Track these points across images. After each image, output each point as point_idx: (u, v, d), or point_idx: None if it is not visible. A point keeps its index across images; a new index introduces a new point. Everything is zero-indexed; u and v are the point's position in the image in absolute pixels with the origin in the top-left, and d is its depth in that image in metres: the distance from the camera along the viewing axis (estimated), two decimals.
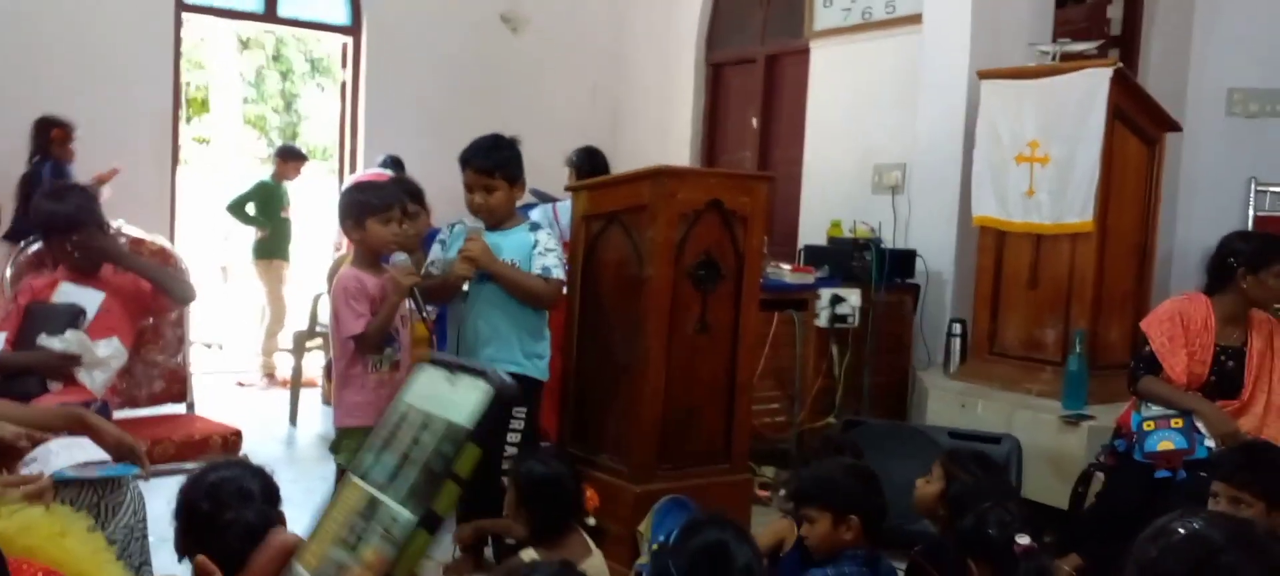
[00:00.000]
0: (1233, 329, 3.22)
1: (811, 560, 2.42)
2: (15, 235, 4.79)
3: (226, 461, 2.04)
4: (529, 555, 2.32)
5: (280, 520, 1.89)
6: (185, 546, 1.81)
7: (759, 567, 1.98)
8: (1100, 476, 3.50)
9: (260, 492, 1.87)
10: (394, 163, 5.55)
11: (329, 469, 3.15)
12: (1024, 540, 2.02)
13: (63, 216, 3.07)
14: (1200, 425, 3.11)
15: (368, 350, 2.93)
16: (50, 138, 5.34)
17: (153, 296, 3.21)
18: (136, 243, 3.44)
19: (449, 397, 0.67)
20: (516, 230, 3.15)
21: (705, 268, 3.38)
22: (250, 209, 6.14)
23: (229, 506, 1.80)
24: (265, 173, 6.36)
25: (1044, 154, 4.12)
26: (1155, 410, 3.21)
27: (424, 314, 2.95)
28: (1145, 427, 3.19)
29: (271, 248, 6.16)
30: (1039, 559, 2.03)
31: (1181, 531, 1.29)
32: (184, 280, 3.21)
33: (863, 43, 5.49)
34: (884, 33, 5.35)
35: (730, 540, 1.95)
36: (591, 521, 2.51)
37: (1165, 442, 3.12)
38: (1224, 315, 3.21)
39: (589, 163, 4.60)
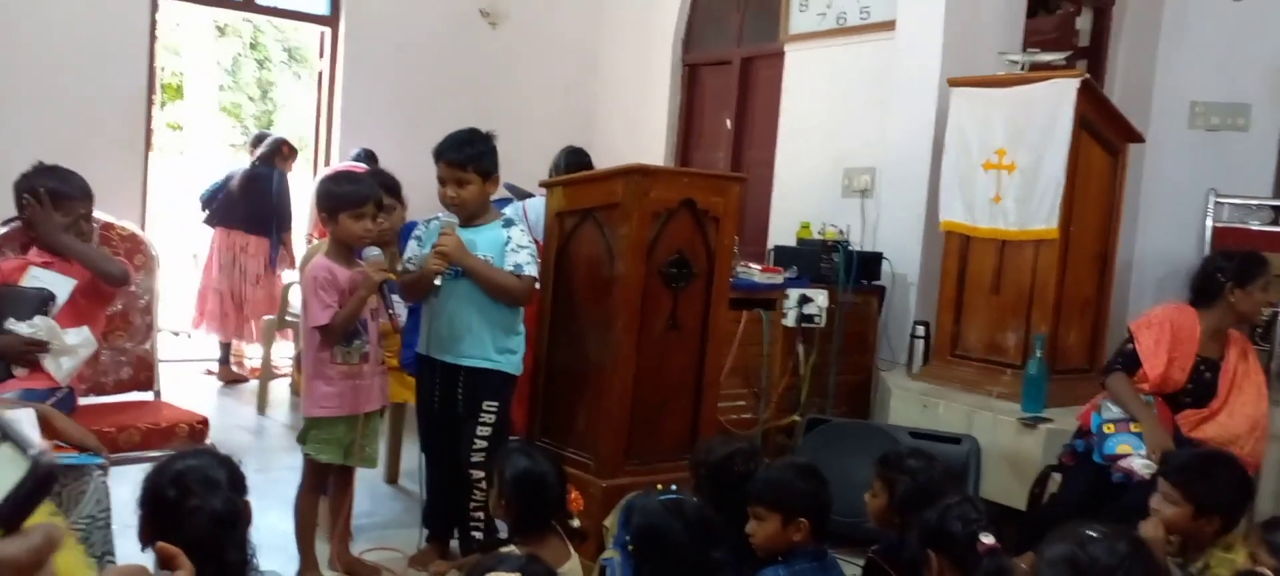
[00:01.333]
0: (1213, 343, 3.37)
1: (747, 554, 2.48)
2: None
3: (193, 450, 2.05)
4: (508, 551, 2.35)
5: (246, 509, 1.90)
6: (149, 535, 1.80)
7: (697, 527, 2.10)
8: (1057, 478, 3.60)
9: (227, 481, 1.87)
10: (367, 157, 5.55)
11: (297, 459, 3.16)
12: (988, 539, 2.05)
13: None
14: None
15: (333, 342, 2.95)
16: None
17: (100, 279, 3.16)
18: (106, 227, 3.43)
19: None
20: (491, 226, 3.17)
21: (677, 266, 3.42)
22: None
23: (194, 494, 1.80)
24: (241, 160, 6.31)
25: (1011, 161, 4.19)
26: (1115, 412, 3.32)
27: (390, 312, 2.97)
28: (1105, 430, 3.29)
29: None
30: (1000, 558, 2.07)
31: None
32: (113, 261, 3.09)
33: (837, 47, 5.55)
34: (858, 38, 5.42)
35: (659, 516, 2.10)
36: (575, 523, 2.53)
37: (1124, 446, 3.22)
38: (1208, 329, 3.36)
39: (570, 162, 4.62)
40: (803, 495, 2.38)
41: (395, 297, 3.04)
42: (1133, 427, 3.25)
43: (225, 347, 5.92)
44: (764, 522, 2.38)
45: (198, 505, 1.78)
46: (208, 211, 5.95)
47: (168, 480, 1.83)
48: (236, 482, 1.90)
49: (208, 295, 5.88)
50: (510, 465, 2.50)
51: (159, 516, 1.81)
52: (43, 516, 1.74)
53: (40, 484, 0.71)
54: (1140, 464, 3.12)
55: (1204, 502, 2.40)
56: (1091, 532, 1.65)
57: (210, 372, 5.97)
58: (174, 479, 1.83)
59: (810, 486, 2.41)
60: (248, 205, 5.83)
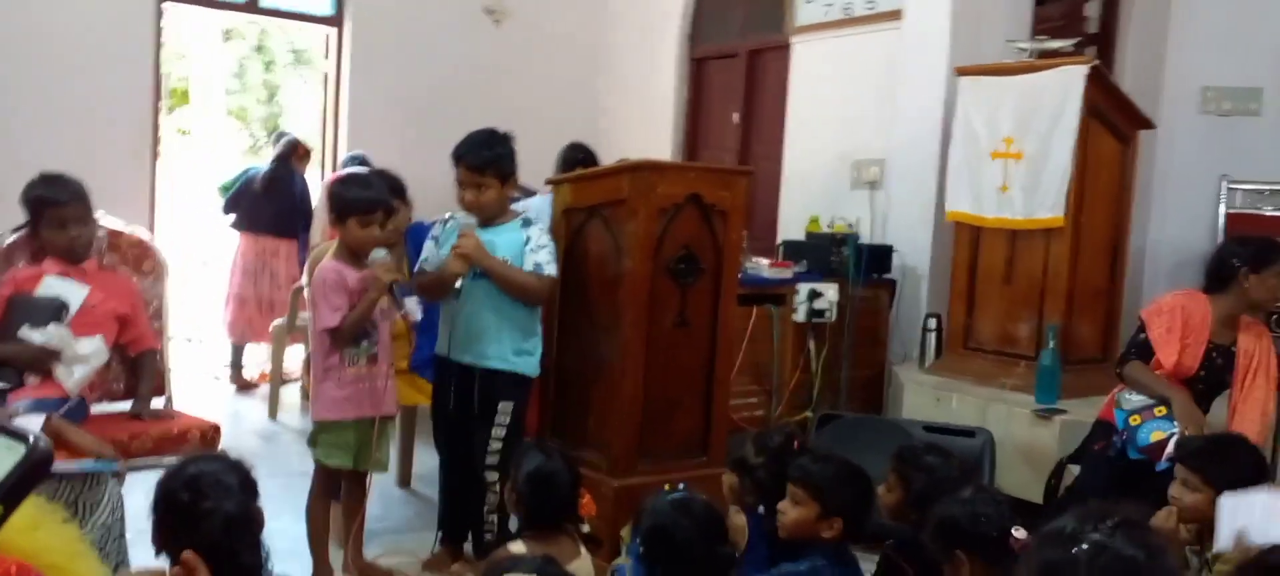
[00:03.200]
0: (1225, 329, 3.33)
1: (770, 542, 2.46)
2: None
3: (205, 455, 2.05)
4: (517, 547, 2.34)
5: (258, 514, 1.90)
6: (163, 539, 1.81)
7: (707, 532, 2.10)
8: (1072, 470, 3.57)
9: (239, 485, 1.88)
10: (361, 162, 5.53)
11: (309, 464, 3.16)
12: (1021, 533, 2.02)
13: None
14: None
15: (342, 344, 2.94)
16: None
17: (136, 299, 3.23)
18: (115, 233, 3.43)
19: None
20: (509, 226, 3.16)
21: (685, 262, 3.41)
22: None
23: (207, 497, 1.80)
24: (252, 162, 6.32)
25: (1018, 150, 4.16)
26: (1135, 402, 3.29)
27: (402, 311, 2.96)
28: (1132, 422, 3.24)
29: None
30: None
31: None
32: None
33: (843, 38, 5.51)
34: (864, 29, 5.38)
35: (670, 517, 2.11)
36: (586, 528, 2.51)
37: (1156, 432, 3.17)
38: (1220, 315, 3.31)
39: (568, 158, 4.59)
40: (849, 498, 2.35)
41: (410, 299, 3.02)
42: (1157, 413, 3.21)
43: (237, 352, 5.92)
44: (800, 507, 2.35)
45: (211, 508, 1.79)
46: (234, 216, 5.95)
47: (181, 484, 1.83)
48: (248, 487, 1.90)
49: (230, 300, 5.88)
50: (525, 461, 2.50)
51: (173, 521, 1.82)
52: (57, 526, 1.73)
53: (36, 464, 0.74)
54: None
55: (1223, 486, 2.37)
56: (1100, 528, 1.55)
57: (220, 378, 5.99)
58: (187, 483, 1.83)
59: (857, 492, 2.38)
60: (272, 208, 5.81)
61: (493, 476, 3.09)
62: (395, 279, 2.92)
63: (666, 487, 2.26)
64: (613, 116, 7.17)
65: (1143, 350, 3.34)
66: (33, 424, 2.41)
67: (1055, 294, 4.12)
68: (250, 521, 1.85)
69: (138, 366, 3.29)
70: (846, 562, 2.40)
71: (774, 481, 2.51)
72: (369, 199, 2.99)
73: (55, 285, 3.04)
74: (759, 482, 2.58)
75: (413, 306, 3.03)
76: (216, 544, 1.76)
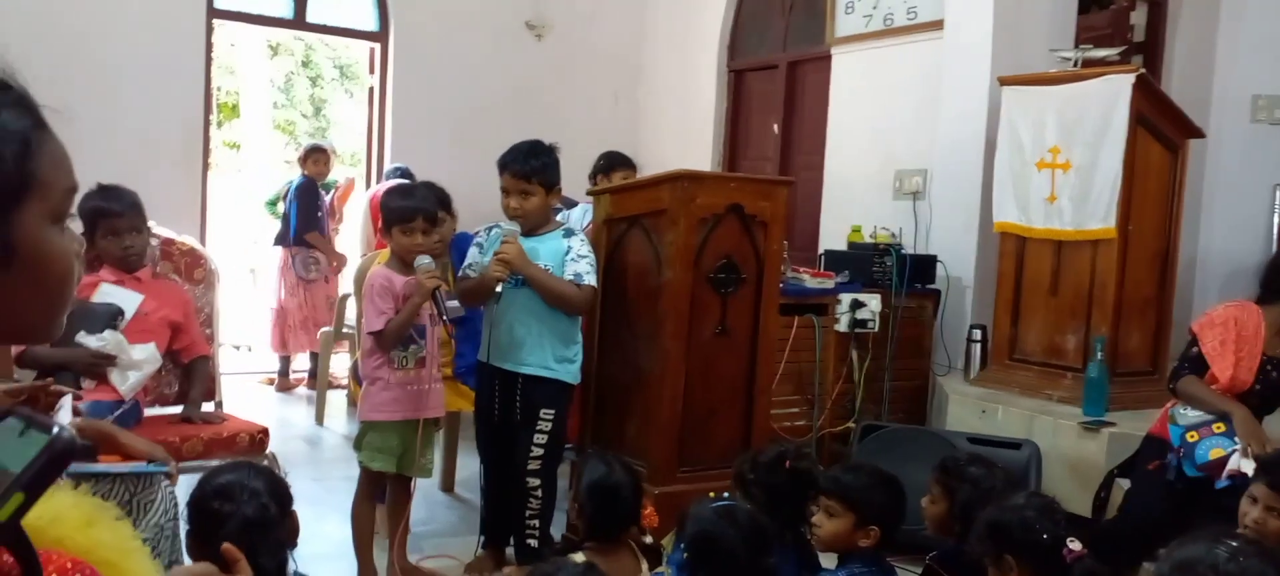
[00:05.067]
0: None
1: (804, 555, 2.45)
2: None
3: (236, 463, 2.11)
4: (579, 558, 2.36)
5: (282, 518, 1.93)
6: (191, 548, 1.89)
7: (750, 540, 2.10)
8: (1121, 484, 3.50)
9: (266, 490, 1.91)
10: (404, 174, 5.63)
11: (354, 469, 3.21)
12: (1076, 545, 1.98)
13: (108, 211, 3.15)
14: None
15: (386, 347, 3.01)
16: None
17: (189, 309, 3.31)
18: (167, 242, 3.52)
19: (13, 447, 0.71)
20: (551, 235, 3.21)
21: (725, 271, 3.41)
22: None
23: (227, 502, 1.87)
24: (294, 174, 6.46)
25: (1065, 160, 4.12)
26: (1192, 417, 3.18)
27: (444, 316, 3.01)
28: (1189, 439, 3.13)
29: None
30: (1090, 563, 2.00)
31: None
32: None
33: (884, 49, 5.50)
34: (905, 39, 5.36)
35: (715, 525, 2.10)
36: (648, 539, 2.52)
37: (1216, 450, 3.06)
38: (1274, 326, 3.20)
39: (599, 165, 4.60)
40: (882, 505, 2.36)
41: (452, 303, 3.07)
42: (1216, 429, 3.10)
43: (284, 360, 6.07)
44: (835, 519, 2.35)
45: (230, 511, 1.85)
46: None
47: (207, 492, 1.92)
48: (278, 493, 1.94)
49: (274, 313, 6.05)
50: (588, 471, 2.51)
51: (196, 526, 1.90)
52: (110, 523, 1.77)
53: (58, 455, 0.76)
54: (1245, 463, 2.98)
55: None
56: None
57: (270, 381, 6.15)
58: (213, 491, 1.91)
59: (890, 497, 2.39)
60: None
61: (535, 482, 3.12)
62: (438, 285, 2.97)
63: (711, 495, 2.27)
64: (653, 128, 7.21)
65: (1196, 364, 3.23)
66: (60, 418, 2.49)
67: (1103, 305, 4.06)
68: (269, 526, 1.88)
69: (190, 372, 3.37)
70: (885, 572, 2.38)
71: (767, 497, 2.52)
72: (406, 208, 3.07)
73: (111, 293, 3.13)
74: (753, 499, 2.58)
75: (455, 308, 3.08)
76: (238, 547, 1.79)
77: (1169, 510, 3.09)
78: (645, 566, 2.47)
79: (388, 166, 6.27)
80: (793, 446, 2.81)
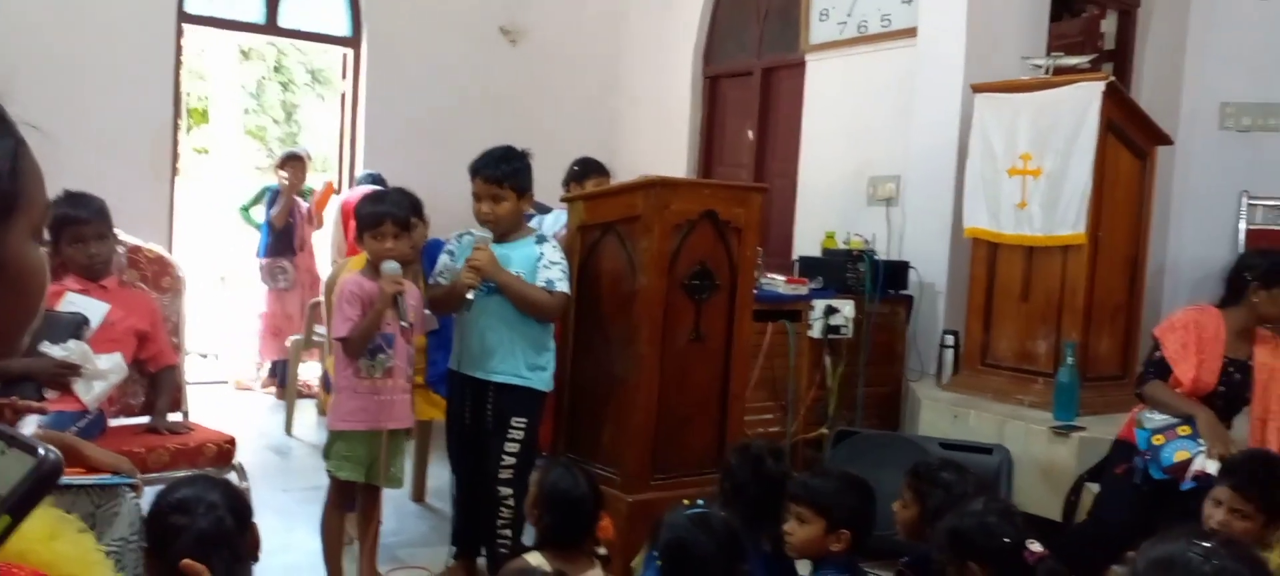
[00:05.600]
0: (1241, 343, 3.27)
1: (776, 562, 2.44)
2: None
3: (190, 476, 2.07)
4: (535, 559, 2.34)
5: (240, 531, 1.89)
6: (148, 565, 1.85)
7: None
8: (1091, 488, 3.53)
9: (223, 503, 1.88)
10: (375, 179, 5.60)
11: (323, 479, 3.17)
12: (1037, 546, 1.99)
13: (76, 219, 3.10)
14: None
15: (352, 353, 2.98)
16: None
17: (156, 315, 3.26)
18: (134, 250, 3.46)
19: None
20: (523, 242, 3.18)
21: (699, 278, 3.41)
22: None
23: (182, 515, 1.84)
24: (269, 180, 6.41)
25: (1036, 166, 4.15)
26: (1158, 420, 3.23)
27: (404, 322, 2.97)
28: (1155, 442, 3.19)
29: None
30: (1052, 564, 2.00)
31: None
32: None
33: (858, 56, 5.52)
34: (879, 46, 5.39)
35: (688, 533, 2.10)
36: (602, 551, 2.51)
37: (1181, 452, 3.11)
38: (1234, 328, 3.26)
39: (573, 171, 4.57)
40: (852, 508, 2.36)
41: (411, 306, 3.03)
42: (1181, 432, 3.15)
43: (272, 365, 6.12)
44: (806, 525, 2.35)
45: (184, 525, 1.81)
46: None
47: (163, 506, 1.89)
48: (235, 506, 1.90)
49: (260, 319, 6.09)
50: (549, 478, 2.50)
51: (154, 540, 1.87)
52: (74, 536, 1.74)
53: (45, 477, 0.74)
54: (1209, 464, 3.03)
55: (1273, 507, 2.34)
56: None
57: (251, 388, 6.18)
58: (169, 505, 1.88)
59: (860, 500, 2.39)
60: None
61: (506, 491, 3.09)
62: (399, 290, 2.94)
63: (686, 502, 2.26)
64: (628, 135, 7.20)
65: (1160, 368, 3.29)
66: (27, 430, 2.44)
67: (1073, 310, 4.09)
68: (225, 539, 1.85)
69: (156, 382, 3.31)
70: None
71: (758, 491, 2.53)
72: (375, 213, 3.06)
73: (76, 301, 3.07)
74: (731, 493, 2.59)
75: (429, 319, 3.04)
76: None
77: (1137, 513, 3.13)
78: (598, 567, 2.46)
79: (360, 172, 6.23)
80: (776, 444, 2.83)
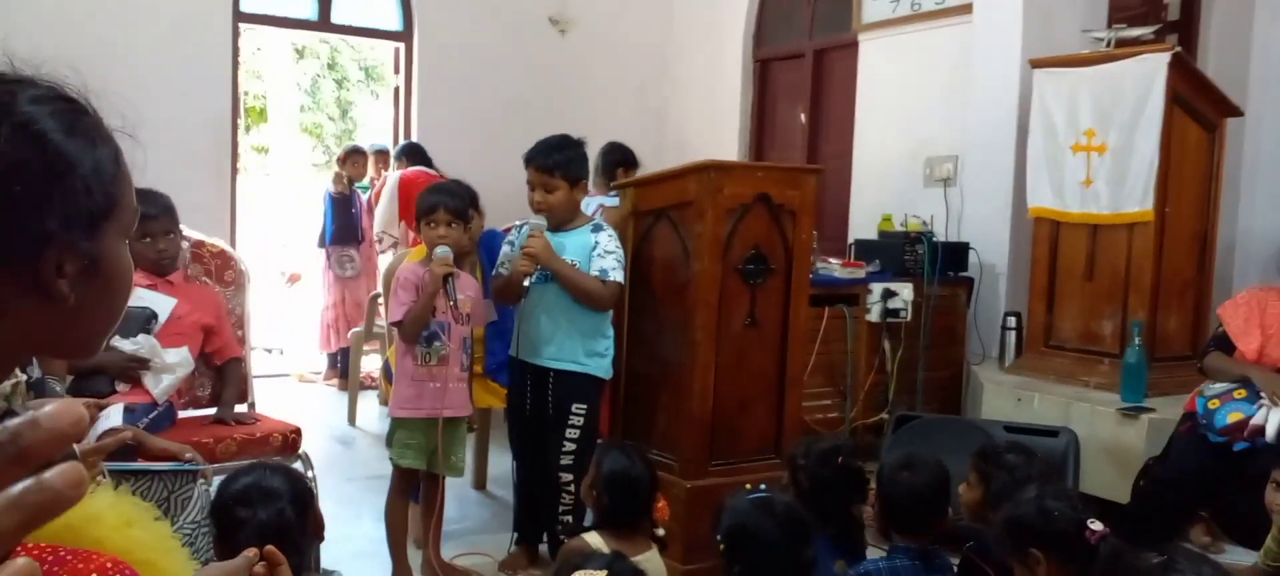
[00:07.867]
0: None
1: (844, 546, 2.43)
2: None
3: (251, 465, 2.11)
4: (593, 539, 2.36)
5: (302, 517, 1.92)
6: (218, 550, 1.90)
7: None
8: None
9: (284, 491, 1.91)
10: (411, 149, 5.71)
11: (386, 468, 3.21)
12: (1097, 525, 1.95)
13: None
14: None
15: (408, 338, 3.02)
16: None
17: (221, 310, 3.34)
18: (198, 245, 3.54)
19: None
20: (579, 231, 3.19)
21: (754, 262, 3.37)
22: None
23: (245, 507, 1.88)
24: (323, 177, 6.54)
25: (1101, 143, 4.04)
26: (1217, 387, 3.28)
27: (454, 303, 2.98)
28: (1211, 407, 3.25)
29: None
30: (1115, 542, 1.96)
31: None
32: None
33: (912, 34, 5.43)
34: (934, 23, 5.29)
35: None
36: (659, 532, 2.53)
37: (1234, 414, 3.17)
38: None
39: (612, 159, 4.53)
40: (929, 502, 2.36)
41: (466, 296, 3.05)
42: (1237, 395, 3.20)
43: (331, 357, 6.25)
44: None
45: (246, 516, 1.84)
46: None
47: (225, 497, 1.93)
48: (297, 492, 1.93)
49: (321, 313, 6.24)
50: (607, 461, 2.52)
51: (218, 530, 1.92)
52: (149, 523, 1.78)
53: None
54: (1271, 419, 3.02)
55: None
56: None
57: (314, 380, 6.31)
58: (231, 496, 1.92)
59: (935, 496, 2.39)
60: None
61: (567, 477, 3.11)
62: (449, 271, 2.95)
63: (748, 487, 2.25)
64: (679, 120, 7.17)
65: (1222, 343, 3.37)
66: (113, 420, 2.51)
67: (1140, 289, 3.99)
68: (286, 529, 1.89)
69: (222, 374, 3.39)
70: (930, 559, 2.35)
71: (814, 486, 2.50)
72: (427, 202, 3.10)
73: (145, 296, 3.14)
74: (799, 485, 2.56)
75: (489, 309, 3.06)
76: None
77: (1206, 465, 3.20)
78: (654, 549, 2.47)
79: (396, 147, 6.32)
80: (849, 443, 2.81)
